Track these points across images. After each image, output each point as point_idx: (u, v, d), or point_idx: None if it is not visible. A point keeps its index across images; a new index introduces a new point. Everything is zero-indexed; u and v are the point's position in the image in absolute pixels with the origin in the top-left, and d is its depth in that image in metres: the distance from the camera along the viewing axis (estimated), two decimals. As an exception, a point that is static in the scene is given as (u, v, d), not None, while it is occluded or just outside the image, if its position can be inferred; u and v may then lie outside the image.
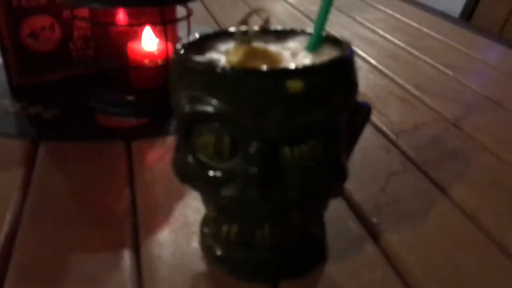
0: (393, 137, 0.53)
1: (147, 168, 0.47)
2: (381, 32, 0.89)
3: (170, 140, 0.51)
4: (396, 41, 0.85)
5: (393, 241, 0.38)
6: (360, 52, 0.78)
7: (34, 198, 0.42)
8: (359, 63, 0.73)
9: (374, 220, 0.40)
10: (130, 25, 0.53)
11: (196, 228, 0.38)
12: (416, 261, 0.36)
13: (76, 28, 0.59)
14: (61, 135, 0.51)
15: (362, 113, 0.33)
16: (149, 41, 0.55)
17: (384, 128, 0.55)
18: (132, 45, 0.55)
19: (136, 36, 0.54)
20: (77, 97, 0.57)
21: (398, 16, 1.01)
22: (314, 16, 0.99)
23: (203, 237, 0.36)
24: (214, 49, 0.32)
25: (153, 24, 0.53)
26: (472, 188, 0.45)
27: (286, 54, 0.32)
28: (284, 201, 0.30)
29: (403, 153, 0.50)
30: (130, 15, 0.53)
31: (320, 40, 0.32)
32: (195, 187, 0.33)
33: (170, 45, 0.54)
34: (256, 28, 0.31)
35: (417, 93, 0.65)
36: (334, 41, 0.32)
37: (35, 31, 0.58)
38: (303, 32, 0.34)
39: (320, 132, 0.29)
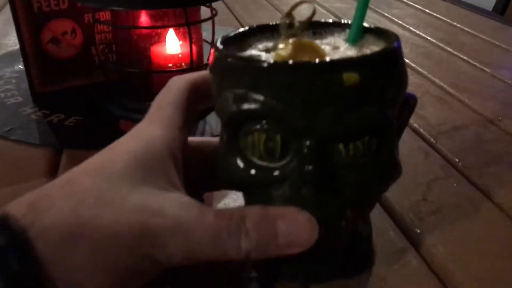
0: (432, 140, 0.50)
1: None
2: (411, 28, 0.86)
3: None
4: (428, 37, 0.81)
5: (439, 252, 0.35)
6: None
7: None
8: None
9: (417, 230, 0.38)
10: (153, 27, 0.51)
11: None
12: (465, 275, 0.33)
13: (98, 32, 0.57)
14: (83, 142, 0.50)
15: (409, 105, 0.31)
16: (172, 44, 0.52)
17: (422, 131, 0.52)
18: (155, 49, 0.53)
19: (160, 39, 0.52)
20: (99, 104, 0.56)
21: (427, 11, 0.97)
22: (339, 13, 0.97)
23: None
24: (251, 46, 0.31)
25: (177, 26, 0.51)
26: (522, 194, 0.42)
27: (327, 48, 0.30)
28: (338, 199, 0.28)
29: (443, 157, 0.47)
30: (152, 17, 0.51)
31: (361, 31, 0.30)
32: (244, 189, 0.31)
33: (194, 48, 0.52)
34: (302, 20, 0.29)
35: (454, 92, 0.61)
36: (375, 32, 0.31)
37: (56, 37, 0.57)
38: (338, 25, 0.32)
39: (374, 127, 0.27)
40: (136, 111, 0.53)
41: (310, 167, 0.26)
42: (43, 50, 0.57)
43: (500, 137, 0.51)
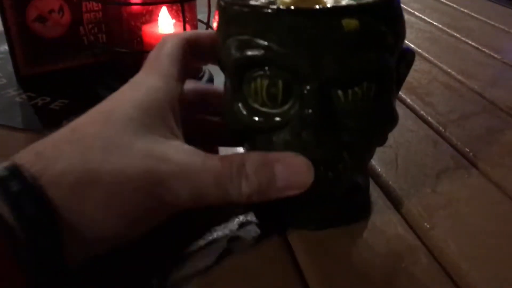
0: (441, 128, 0.47)
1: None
2: (416, 13, 0.82)
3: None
4: (434, 23, 0.78)
5: (451, 251, 0.32)
6: (395, 34, 0.71)
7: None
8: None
9: (427, 225, 0.35)
10: (144, 3, 0.48)
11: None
12: (481, 277, 0.30)
13: (86, 10, 0.53)
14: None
15: (406, 58, 0.32)
16: (165, 23, 0.49)
17: (430, 119, 0.49)
18: (147, 28, 0.50)
19: (151, 17, 0.49)
20: (87, 87, 0.52)
21: (433, -4, 0.94)
22: None
23: None
24: None
25: (170, 2, 0.47)
26: (539, 187, 0.39)
27: (329, 1, 0.31)
28: (337, 143, 0.30)
29: (453, 146, 0.44)
30: (144, -6, 0.48)
31: None
32: (248, 136, 0.32)
33: (188, 27, 0.48)
34: None
35: (463, 79, 0.58)
36: None
37: (42, 15, 0.53)
38: None
39: (372, 74, 0.28)
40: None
41: (310, 111, 0.28)
42: (29, 29, 0.53)
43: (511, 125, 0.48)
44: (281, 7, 0.28)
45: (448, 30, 0.75)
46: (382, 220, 0.35)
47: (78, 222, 0.24)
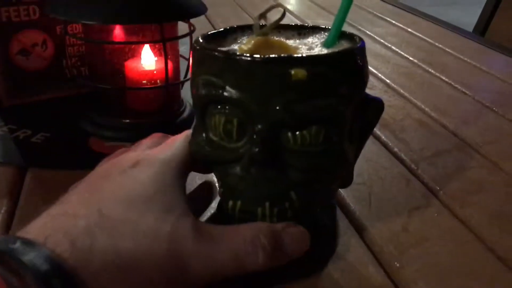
0: (413, 166, 0.49)
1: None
2: (393, 47, 0.85)
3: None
4: (410, 58, 0.80)
5: (420, 291, 0.34)
6: (373, 69, 0.74)
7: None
8: (372, 81, 0.69)
9: (397, 264, 0.36)
10: (127, 42, 0.49)
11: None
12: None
13: (70, 44, 0.54)
14: (50, 161, 0.47)
15: (373, 106, 0.34)
16: (148, 60, 0.50)
17: (403, 156, 0.50)
18: (129, 64, 0.51)
19: (134, 54, 0.50)
20: (69, 120, 0.53)
21: (410, 30, 0.97)
22: (334, 10, 0.95)
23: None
24: (235, 42, 0.35)
25: (152, 42, 0.49)
26: (505, 226, 0.41)
27: (303, 48, 0.34)
28: (284, 181, 0.31)
29: (425, 184, 0.46)
30: (127, 31, 0.49)
31: (336, 36, 0.34)
32: (207, 165, 0.34)
33: (170, 64, 0.50)
34: (272, 22, 0.33)
35: (436, 115, 0.60)
36: (351, 38, 0.34)
37: (26, 48, 0.54)
38: (324, 29, 0.36)
39: (322, 119, 0.30)
40: (108, 128, 0.51)
41: (257, 149, 0.30)
42: (11, 62, 0.54)
43: (482, 164, 0.50)
44: (237, 52, 0.30)
45: (423, 66, 0.77)
46: (355, 259, 0.36)
47: None
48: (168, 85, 0.49)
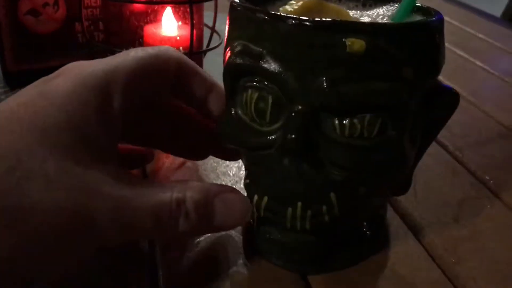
0: (458, 153, 0.44)
1: (164, 178, 0.38)
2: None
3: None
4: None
5: (481, 290, 0.30)
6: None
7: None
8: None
9: (452, 259, 0.32)
10: (149, 2, 0.44)
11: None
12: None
13: (84, 5, 0.50)
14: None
15: (445, 99, 0.28)
16: (170, 24, 0.46)
17: (447, 143, 0.46)
18: (149, 28, 0.46)
19: (155, 17, 0.46)
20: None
21: (437, 14, 0.92)
22: None
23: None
24: (277, 4, 0.29)
25: (178, 3, 0.44)
26: None
27: (365, 19, 0.28)
28: (323, 179, 0.25)
29: (472, 173, 0.42)
30: (149, -8, 0.45)
31: (408, 9, 0.28)
32: (236, 146, 0.29)
33: (194, 31, 0.45)
34: None
35: (475, 101, 0.56)
36: (427, 13, 0.28)
37: (36, 8, 0.49)
38: (395, 0, 0.30)
39: (379, 107, 0.24)
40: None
41: (292, 135, 0.24)
42: (19, 23, 0.49)
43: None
44: (280, 13, 0.25)
45: (456, 50, 0.73)
46: (405, 252, 0.32)
47: None
48: (192, 53, 0.44)
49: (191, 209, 0.25)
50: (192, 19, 0.43)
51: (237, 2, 0.27)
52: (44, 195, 0.22)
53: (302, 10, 0.26)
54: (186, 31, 0.45)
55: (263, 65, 0.24)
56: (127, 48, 0.46)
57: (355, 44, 0.22)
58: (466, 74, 0.64)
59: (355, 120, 0.24)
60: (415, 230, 0.34)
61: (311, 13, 0.26)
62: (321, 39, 0.23)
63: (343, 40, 0.23)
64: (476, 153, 0.45)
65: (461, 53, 0.71)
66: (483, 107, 0.54)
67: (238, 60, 0.25)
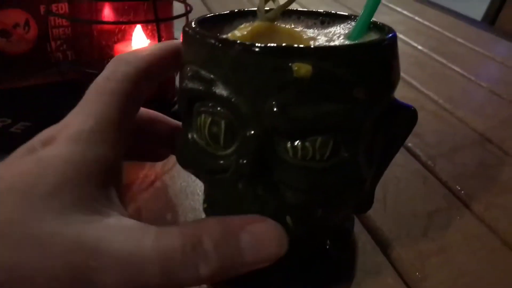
0: (430, 162, 0.44)
1: (132, 200, 0.38)
2: (402, 36, 0.80)
3: (163, 162, 0.42)
4: (419, 47, 0.76)
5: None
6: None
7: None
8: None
9: (418, 275, 0.32)
10: (117, 23, 0.44)
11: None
12: None
13: (54, 25, 0.50)
14: (31, 154, 0.43)
15: (401, 116, 0.27)
16: (139, 42, 0.46)
17: (418, 151, 0.46)
18: (119, 47, 0.46)
19: (125, 36, 0.46)
20: (53, 108, 0.48)
21: (417, 18, 0.93)
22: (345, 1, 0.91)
23: None
24: (226, 29, 0.29)
25: (145, 22, 0.44)
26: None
27: (321, 40, 0.28)
28: (278, 203, 0.25)
29: (443, 183, 0.42)
30: (117, 11, 0.45)
31: (364, 27, 0.27)
32: (192, 172, 0.28)
33: (164, 48, 0.45)
34: (280, 4, 0.27)
35: (451, 108, 0.56)
36: (382, 29, 0.28)
37: (6, 29, 0.49)
38: (353, 18, 0.30)
39: (331, 128, 0.24)
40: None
41: (245, 160, 0.24)
42: (-10, 44, 0.49)
43: (505, 161, 0.46)
44: (225, 38, 0.25)
45: (434, 55, 0.73)
46: (371, 268, 0.32)
47: None
48: (161, 71, 0.44)
49: (210, 249, 0.22)
50: (159, 38, 0.43)
51: (189, 26, 0.26)
52: (39, 265, 0.20)
53: (251, 35, 0.26)
54: (156, 48, 0.45)
55: (214, 90, 0.24)
56: (98, 67, 0.46)
57: (302, 68, 0.22)
58: (443, 80, 0.64)
59: (307, 143, 0.24)
60: (383, 245, 0.34)
61: (261, 37, 0.26)
62: (269, 63, 0.23)
63: (290, 65, 0.22)
64: (448, 162, 0.45)
65: (439, 58, 0.71)
66: (457, 114, 0.55)
67: (190, 85, 0.25)
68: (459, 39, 0.81)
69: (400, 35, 0.81)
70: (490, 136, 0.50)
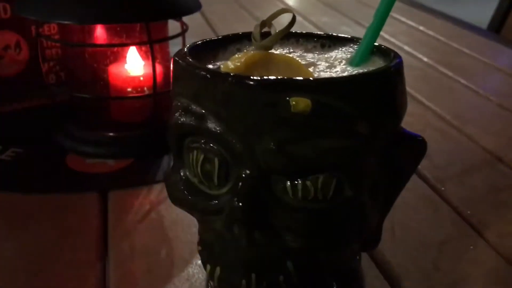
0: (439, 185, 0.42)
1: (125, 233, 0.36)
2: (406, 47, 0.78)
3: (158, 190, 0.40)
4: (425, 59, 0.74)
5: None
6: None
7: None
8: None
9: (430, 314, 0.30)
10: (109, 45, 0.43)
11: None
12: None
13: (46, 46, 0.48)
14: (21, 183, 0.41)
15: (408, 148, 0.25)
16: (134, 64, 0.44)
17: (426, 173, 0.44)
18: (113, 69, 0.44)
19: (118, 58, 0.44)
20: (44, 133, 0.46)
21: (422, 28, 0.91)
22: (327, 28, 0.89)
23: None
24: (221, 56, 0.27)
25: (139, 43, 0.42)
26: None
27: (322, 66, 0.26)
28: (278, 247, 0.23)
29: (454, 209, 0.40)
30: (110, 32, 0.43)
31: (367, 52, 0.26)
32: (185, 210, 0.26)
33: (159, 69, 0.43)
34: (277, 31, 0.25)
35: (459, 124, 0.54)
36: (387, 54, 0.26)
37: (-3, 51, 0.48)
38: (355, 41, 0.28)
39: (333, 166, 0.22)
40: (88, 143, 0.45)
41: (240, 203, 0.22)
42: (-20, 67, 0.48)
43: (517, 183, 0.44)
44: (221, 71, 0.23)
45: (440, 68, 0.71)
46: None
47: None
48: (156, 94, 0.42)
49: None
50: (153, 60, 0.41)
51: (179, 55, 0.25)
52: None
53: (246, 66, 0.24)
54: (150, 70, 0.43)
55: (206, 125, 0.22)
56: (90, 89, 0.45)
57: (300, 103, 0.21)
58: (450, 94, 0.62)
59: (308, 182, 0.22)
60: (392, 282, 0.32)
61: (256, 67, 0.24)
62: (264, 98, 0.21)
63: (287, 99, 0.21)
64: (458, 184, 0.43)
65: (445, 71, 0.69)
66: (466, 130, 0.52)
67: (181, 120, 0.23)
68: (465, 49, 0.79)
69: (404, 47, 0.79)
70: (501, 155, 0.48)
